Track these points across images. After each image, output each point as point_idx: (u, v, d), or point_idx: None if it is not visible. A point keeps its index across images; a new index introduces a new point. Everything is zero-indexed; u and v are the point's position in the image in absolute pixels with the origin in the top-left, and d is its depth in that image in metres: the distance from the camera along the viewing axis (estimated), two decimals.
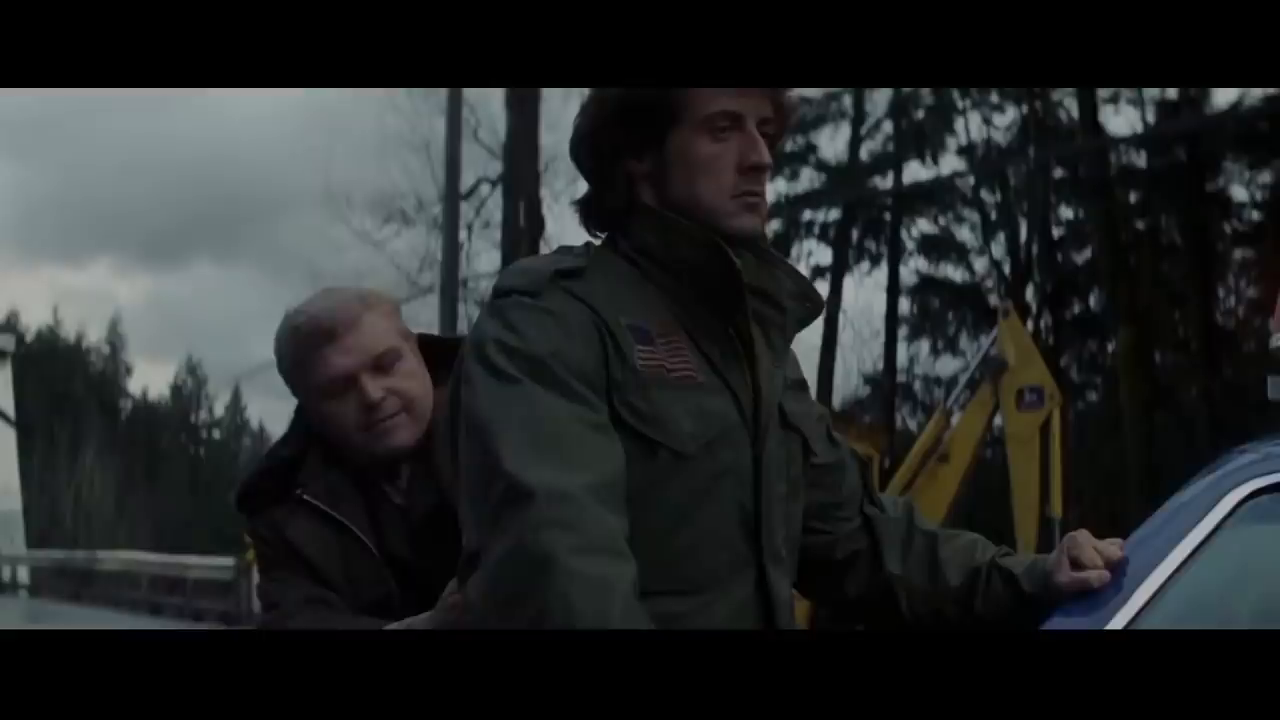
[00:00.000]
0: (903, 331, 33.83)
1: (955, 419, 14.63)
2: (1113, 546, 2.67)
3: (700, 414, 2.49)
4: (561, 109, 26.92)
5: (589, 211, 2.68)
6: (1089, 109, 29.43)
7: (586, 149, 2.65)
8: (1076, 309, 32.70)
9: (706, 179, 2.56)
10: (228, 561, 29.57)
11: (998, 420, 14.40)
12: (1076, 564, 2.67)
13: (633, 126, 2.57)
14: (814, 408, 2.81)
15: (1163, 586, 2.58)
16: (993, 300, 29.56)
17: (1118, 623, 2.53)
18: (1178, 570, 2.60)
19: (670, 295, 2.57)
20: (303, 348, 3.08)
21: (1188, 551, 2.61)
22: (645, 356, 2.47)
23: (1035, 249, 32.67)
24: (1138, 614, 2.54)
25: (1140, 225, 31.06)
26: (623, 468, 2.36)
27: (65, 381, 69.33)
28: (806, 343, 31.33)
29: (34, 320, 76.18)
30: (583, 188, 2.79)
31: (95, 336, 78.26)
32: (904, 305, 33.92)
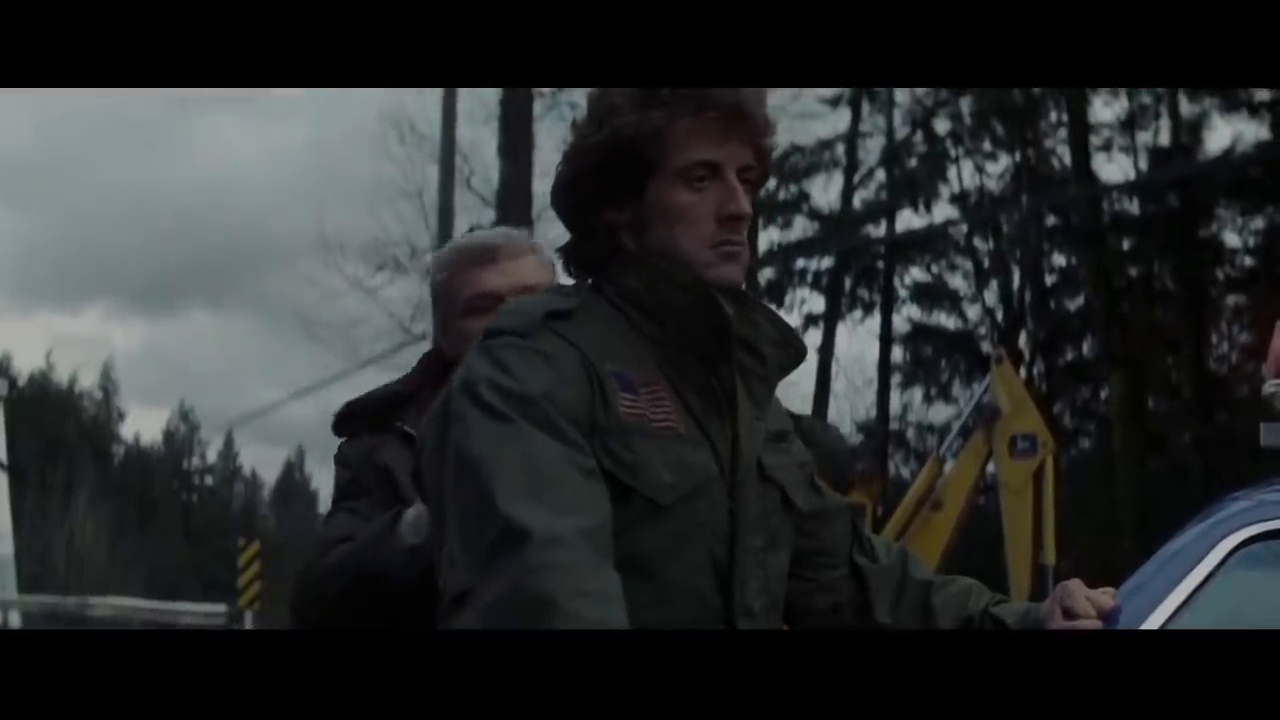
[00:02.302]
0: (896, 379, 33.82)
1: (948, 466, 14.60)
2: (1105, 596, 2.67)
3: (679, 465, 2.48)
4: (554, 158, 26.91)
5: (571, 258, 2.68)
6: (1081, 156, 29.54)
7: (566, 199, 2.66)
8: (1070, 356, 32.73)
9: (685, 229, 2.56)
10: (220, 609, 29.47)
11: (991, 468, 14.38)
12: (1069, 613, 2.65)
13: (611, 177, 2.57)
14: (797, 457, 2.79)
15: None
16: (986, 348, 29.55)
17: None
18: (1171, 618, 2.59)
19: (654, 342, 2.57)
20: (462, 262, 3.26)
21: (1181, 599, 2.61)
22: (628, 404, 2.47)
23: (1028, 296, 32.72)
24: None
25: (1133, 272, 31.14)
26: (610, 513, 2.35)
27: (58, 427, 69.15)
28: (800, 390, 31.34)
29: (27, 365, 76.09)
30: None
31: (88, 382, 78.11)
32: (897, 353, 33.91)
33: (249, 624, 25.44)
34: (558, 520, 2.26)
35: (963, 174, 33.32)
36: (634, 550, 2.42)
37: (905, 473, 31.12)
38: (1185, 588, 2.62)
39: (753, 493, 2.60)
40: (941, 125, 33.09)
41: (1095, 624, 2.62)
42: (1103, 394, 31.00)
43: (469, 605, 2.28)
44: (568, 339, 2.49)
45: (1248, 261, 30.30)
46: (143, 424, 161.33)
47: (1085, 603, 2.65)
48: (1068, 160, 30.79)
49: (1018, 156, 32.45)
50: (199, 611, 31.66)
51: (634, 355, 2.55)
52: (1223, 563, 2.64)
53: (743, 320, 2.64)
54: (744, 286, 2.66)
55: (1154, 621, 2.60)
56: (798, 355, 2.76)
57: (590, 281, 2.67)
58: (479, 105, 26.15)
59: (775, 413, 2.77)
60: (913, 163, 33.50)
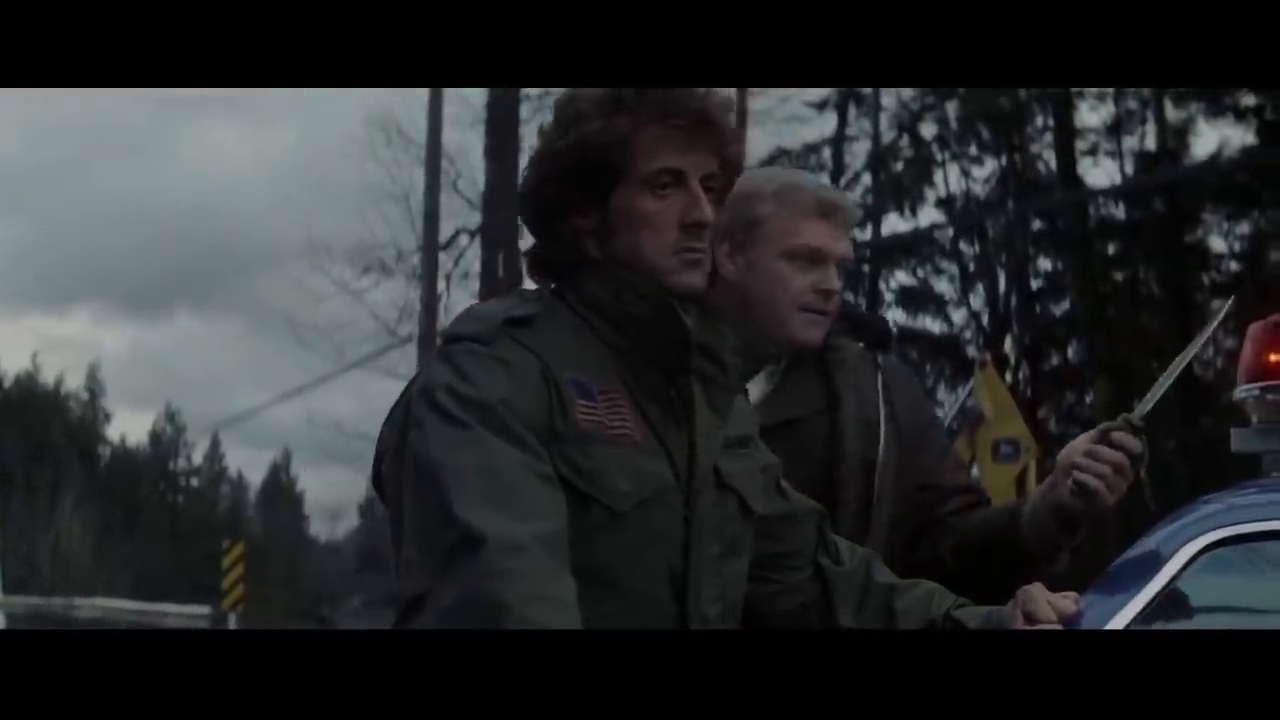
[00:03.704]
0: None
1: None
2: (1067, 600, 2.69)
3: (636, 473, 2.52)
4: None
5: (535, 264, 2.71)
6: (1067, 161, 29.55)
7: (532, 204, 2.68)
8: (1055, 361, 32.68)
9: (648, 235, 2.59)
10: (204, 610, 29.43)
11: (974, 472, 14.36)
12: (1030, 617, 2.67)
13: (577, 182, 2.60)
14: (759, 461, 2.82)
15: None
16: (971, 352, 29.54)
17: None
18: (1134, 622, 2.60)
19: (614, 350, 2.60)
20: (799, 207, 3.27)
21: (1145, 602, 2.62)
22: (585, 412, 2.51)
23: (1014, 301, 32.69)
24: None
25: (1119, 277, 31.11)
26: (566, 520, 2.39)
27: (44, 429, 68.95)
28: None
29: (14, 367, 75.68)
30: None
31: (75, 384, 77.84)
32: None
33: (232, 625, 25.41)
34: (514, 526, 2.29)
35: (949, 178, 33.27)
36: (591, 558, 2.45)
37: None
38: (1149, 592, 2.63)
39: (709, 501, 2.62)
40: (928, 130, 33.05)
41: (1056, 628, 2.63)
42: (1088, 399, 30.94)
43: (425, 608, 2.32)
44: (527, 346, 2.52)
45: (1233, 267, 30.28)
46: (129, 426, 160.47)
47: (1046, 607, 2.67)
48: (1054, 165, 30.80)
49: (1004, 161, 32.38)
50: (183, 613, 31.62)
51: (594, 363, 2.58)
52: (1187, 566, 2.65)
53: (705, 328, 2.67)
54: (706, 292, 2.69)
55: (1117, 624, 2.61)
56: (758, 363, 2.78)
57: (553, 287, 2.70)
58: (465, 108, 26.19)
59: (739, 418, 2.79)
60: (899, 167, 33.44)
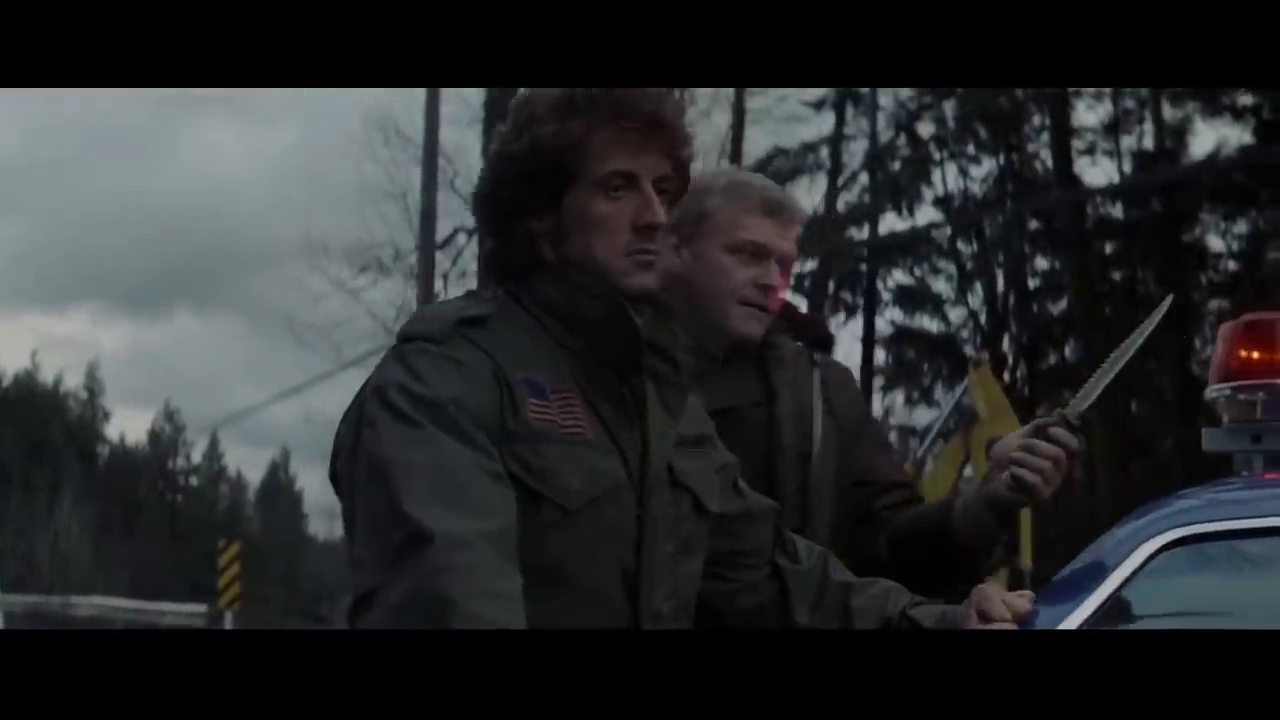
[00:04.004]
0: (878, 382, 33.80)
1: (927, 470, 14.60)
2: (1022, 599, 2.70)
3: (588, 472, 2.54)
4: None
5: (491, 265, 2.73)
6: (1064, 160, 29.59)
7: (487, 206, 2.70)
8: (1052, 360, 32.74)
9: (601, 237, 2.62)
10: (201, 609, 29.49)
11: (969, 471, 14.38)
12: (985, 616, 2.68)
13: (531, 186, 2.62)
14: (716, 460, 2.85)
15: None
16: (969, 351, 29.57)
17: None
18: (1089, 620, 2.61)
19: (568, 351, 2.62)
20: (745, 203, 3.33)
21: (1099, 602, 2.62)
22: (537, 411, 2.52)
23: (1011, 300, 32.74)
24: None
25: (1116, 276, 31.16)
26: (515, 518, 2.41)
27: (43, 428, 69.07)
28: None
29: (13, 366, 75.79)
30: None
31: (74, 383, 78.02)
32: (880, 356, 33.92)
33: (228, 624, 25.45)
34: (462, 523, 2.31)
35: (946, 177, 33.35)
36: (544, 556, 2.47)
37: None
38: (1104, 591, 2.64)
39: (663, 499, 2.65)
40: (925, 129, 33.12)
41: (1010, 627, 2.65)
42: None
43: (375, 605, 2.34)
44: (480, 346, 2.54)
45: (1231, 266, 30.35)
46: (128, 425, 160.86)
47: (1000, 605, 2.68)
48: (1051, 164, 30.83)
49: (1001, 160, 32.47)
50: (180, 611, 31.70)
51: (547, 363, 2.60)
52: (1144, 566, 2.65)
53: (658, 328, 2.70)
54: (658, 292, 2.71)
55: (1071, 623, 2.61)
56: (710, 362, 2.81)
57: (509, 288, 2.72)
58: (463, 108, 26.23)
59: (694, 417, 2.82)
60: (896, 166, 33.51)
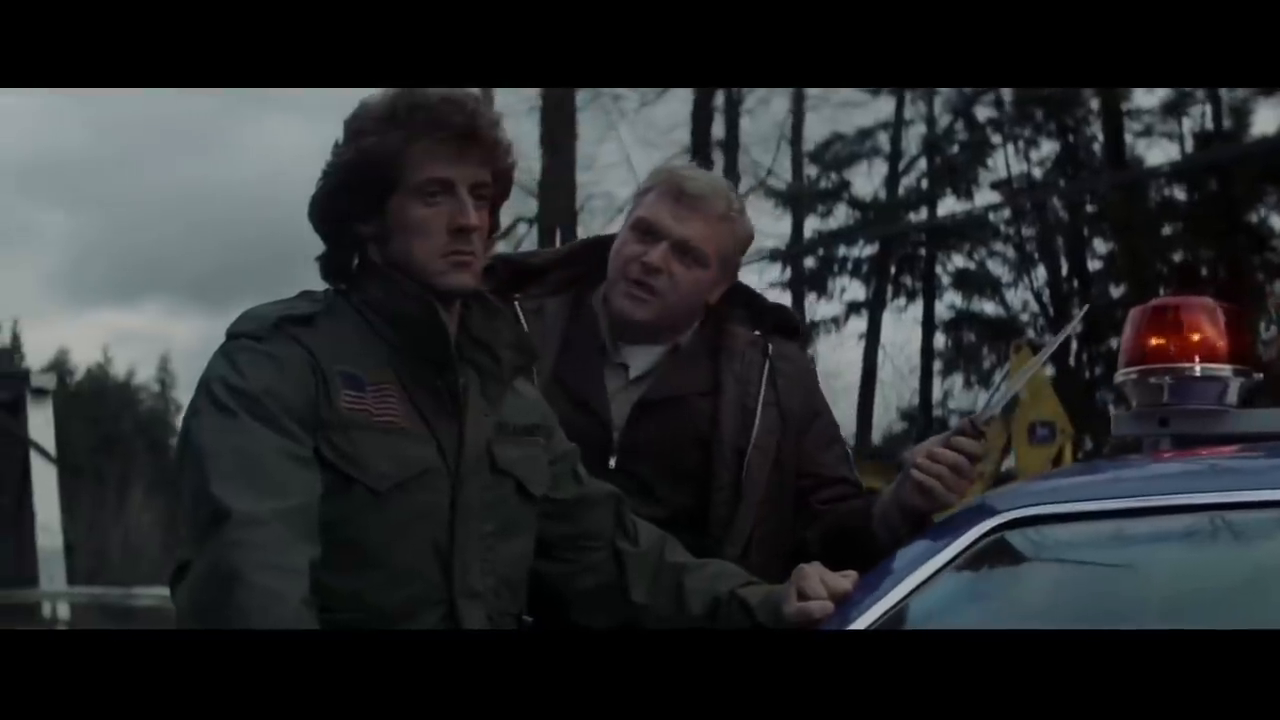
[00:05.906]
0: (937, 366, 33.70)
1: None
2: (844, 579, 2.84)
3: (398, 457, 2.78)
4: (596, 150, 27.21)
5: (325, 266, 2.96)
6: (1120, 143, 29.43)
7: (321, 212, 2.92)
8: (1113, 343, 32.51)
9: (419, 240, 2.84)
10: None
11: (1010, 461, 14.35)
12: (803, 595, 2.84)
13: (358, 193, 2.85)
14: (552, 450, 3.07)
15: (885, 615, 2.63)
16: (1030, 334, 29.49)
17: None
18: (909, 596, 2.65)
19: (390, 346, 2.86)
20: (661, 185, 3.46)
21: (920, 579, 2.67)
22: (351, 401, 2.77)
23: (1074, 283, 32.53)
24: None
25: (1175, 258, 30.94)
26: (316, 497, 2.65)
27: (114, 421, 69.35)
28: (846, 379, 31.29)
29: (84, 360, 76.12)
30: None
31: (145, 375, 78.25)
32: (939, 340, 33.81)
33: None
34: (258, 502, 2.56)
35: (1005, 161, 33.19)
36: (361, 536, 2.73)
37: None
38: (929, 567, 2.68)
39: (480, 483, 2.87)
40: (983, 112, 32.97)
41: (826, 605, 2.79)
42: None
43: (186, 578, 2.58)
44: (299, 341, 2.79)
45: None
46: None
47: (818, 585, 2.84)
48: (1106, 147, 30.66)
49: (1059, 143, 32.31)
50: None
51: (369, 357, 2.83)
52: (973, 545, 2.69)
53: (481, 324, 2.94)
54: (478, 289, 2.93)
55: (889, 600, 2.65)
56: (530, 357, 3.02)
57: (341, 288, 2.94)
58: (520, 98, 26.27)
59: (526, 407, 3.05)
60: (954, 150, 33.41)
